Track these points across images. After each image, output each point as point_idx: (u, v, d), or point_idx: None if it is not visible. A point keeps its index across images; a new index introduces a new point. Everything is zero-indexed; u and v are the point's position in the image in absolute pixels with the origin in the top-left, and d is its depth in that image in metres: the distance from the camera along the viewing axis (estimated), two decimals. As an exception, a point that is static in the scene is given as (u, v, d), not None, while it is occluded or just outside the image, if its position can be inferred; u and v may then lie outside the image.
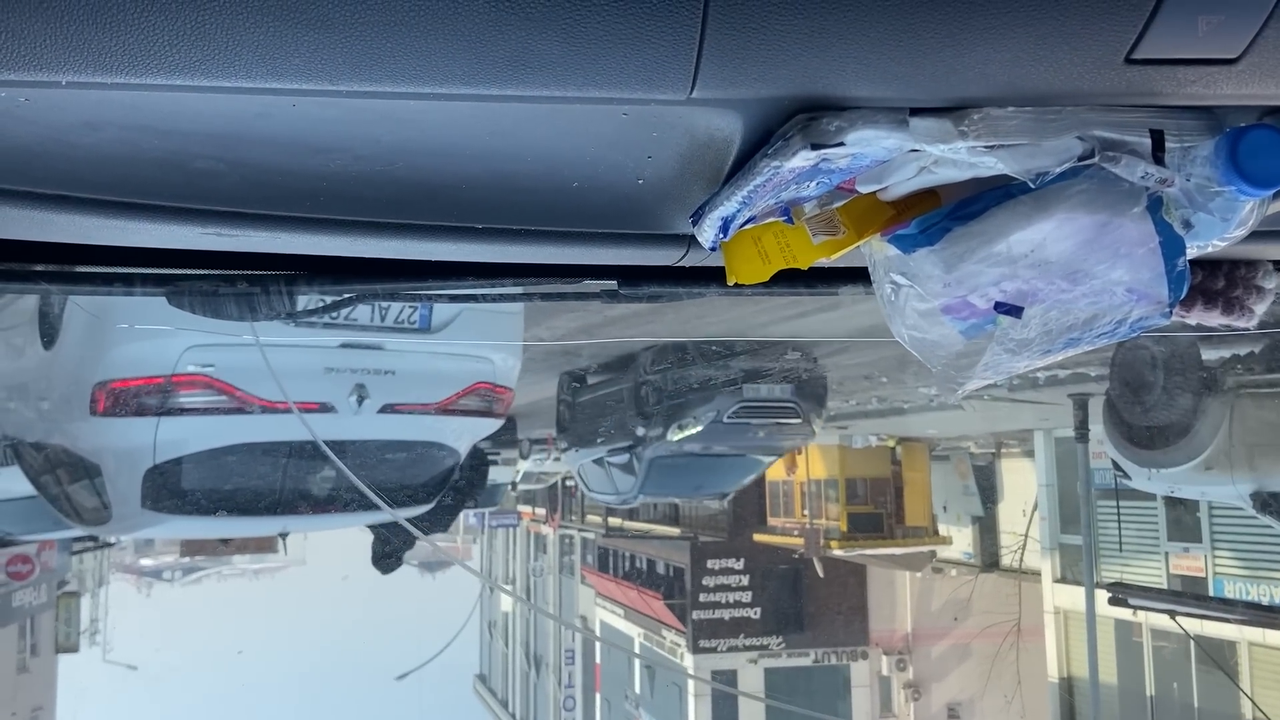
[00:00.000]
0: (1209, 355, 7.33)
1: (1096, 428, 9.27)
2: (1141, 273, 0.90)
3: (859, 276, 1.56)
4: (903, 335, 1.03)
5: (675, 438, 8.91)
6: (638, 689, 24.19)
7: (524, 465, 18.00)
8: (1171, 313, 0.94)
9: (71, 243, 1.25)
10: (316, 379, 5.30)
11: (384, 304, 5.41)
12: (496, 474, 15.72)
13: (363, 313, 5.36)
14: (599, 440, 10.35)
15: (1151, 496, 12.81)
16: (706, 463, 10.48)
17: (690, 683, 21.20)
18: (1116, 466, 9.56)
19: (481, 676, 38.97)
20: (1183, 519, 13.38)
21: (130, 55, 0.76)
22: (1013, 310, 0.92)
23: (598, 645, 26.19)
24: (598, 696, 27.08)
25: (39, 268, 1.38)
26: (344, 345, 5.38)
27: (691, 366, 8.74)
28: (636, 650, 23.87)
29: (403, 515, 5.62)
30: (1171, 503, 13.09)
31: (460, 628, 26.81)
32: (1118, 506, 13.39)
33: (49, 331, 5.37)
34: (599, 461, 11.02)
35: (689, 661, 21.04)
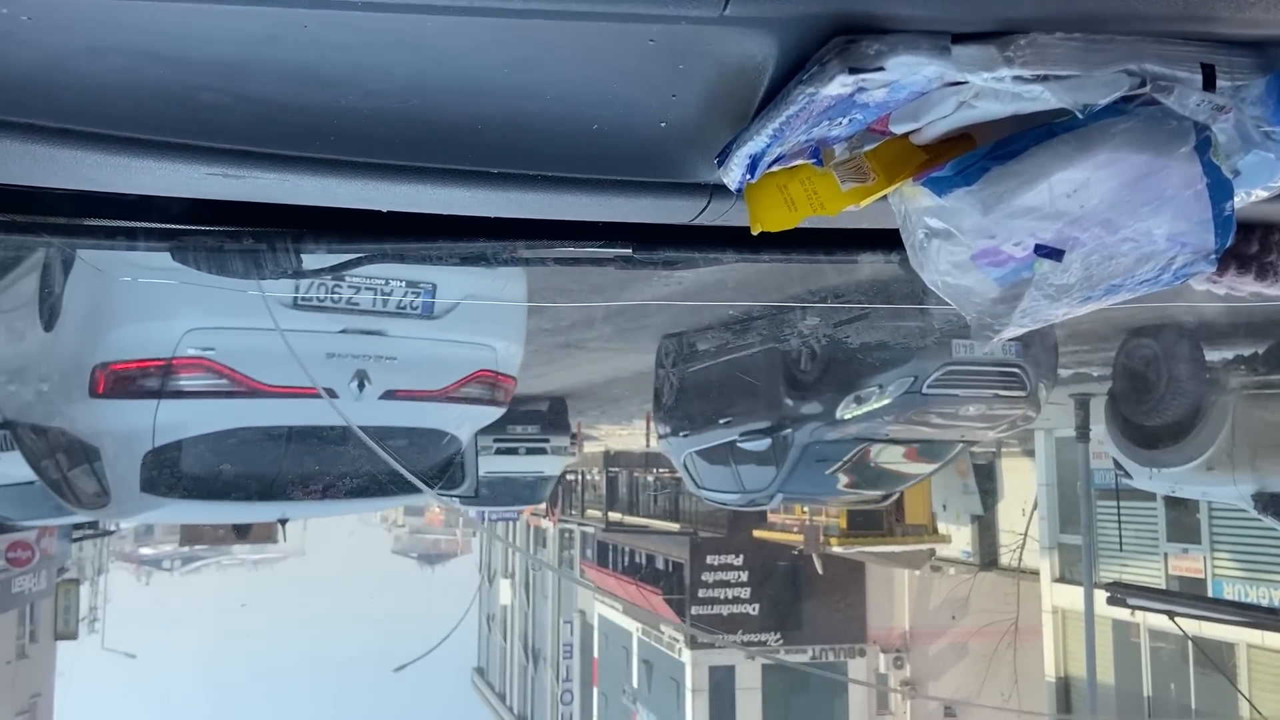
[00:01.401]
0: (1212, 355, 7.32)
1: (1097, 428, 9.24)
2: (1188, 217, 0.86)
3: (884, 243, 1.53)
4: (935, 283, 0.99)
5: (849, 415, 6.72)
6: (635, 683, 24.19)
7: (566, 460, 15.44)
8: (1217, 260, 0.91)
9: (75, 190, 1.22)
10: (318, 365, 5.26)
11: (386, 289, 5.38)
12: (544, 465, 14.33)
13: (364, 298, 5.33)
14: (722, 422, 8.12)
15: (1151, 497, 12.80)
16: (886, 453, 8.18)
17: (688, 678, 21.19)
18: (1118, 465, 9.55)
19: (479, 669, 39.00)
20: (1182, 520, 13.37)
21: None
22: (1053, 253, 0.88)
23: (595, 639, 26.20)
24: (595, 690, 27.09)
25: (44, 220, 1.34)
26: (345, 331, 5.35)
27: (875, 320, 6.40)
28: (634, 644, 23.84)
29: (433, 493, 5.61)
30: (1171, 503, 13.08)
31: (459, 621, 26.85)
32: (1118, 507, 13.38)
33: (49, 313, 5.35)
34: (717, 450, 8.66)
35: (686, 657, 21.04)
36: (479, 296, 5.66)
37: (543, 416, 13.89)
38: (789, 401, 7.07)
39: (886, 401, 6.54)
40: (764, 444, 7.60)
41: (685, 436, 8.93)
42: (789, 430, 7.20)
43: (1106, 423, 7.93)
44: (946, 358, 6.35)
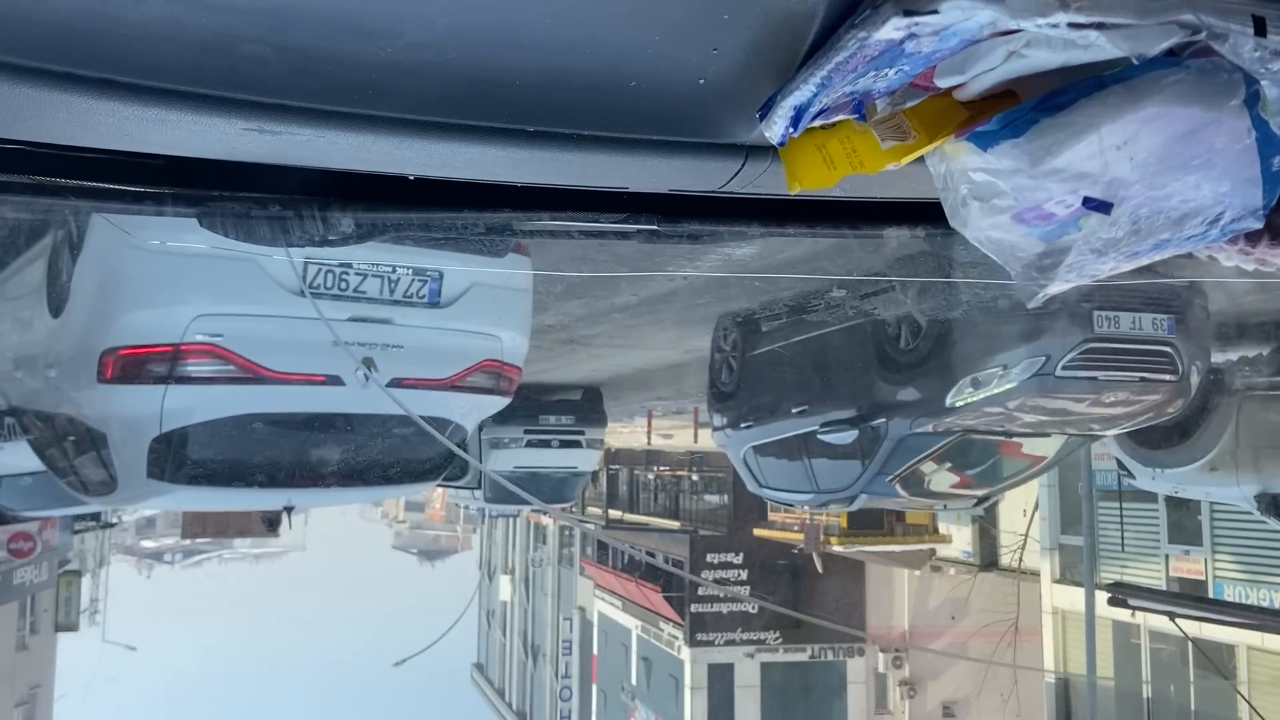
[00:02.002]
0: (1216, 357, 7.29)
1: (1099, 429, 9.21)
2: (1236, 171, 0.85)
3: (909, 216, 1.52)
4: (979, 239, 0.98)
5: (963, 401, 5.57)
6: (634, 681, 24.20)
7: (599, 454, 14.34)
8: (1265, 215, 0.90)
9: (108, 151, 1.21)
10: (324, 352, 5.26)
11: (393, 277, 5.38)
12: (578, 459, 13.15)
13: (372, 285, 5.33)
14: (795, 412, 7.11)
15: (1153, 498, 12.79)
16: (987, 446, 6.89)
17: (687, 676, 21.19)
18: (1121, 466, 9.54)
19: (479, 665, 39.02)
20: (1183, 521, 13.36)
21: None
22: (1102, 206, 0.87)
23: (595, 636, 26.20)
24: (594, 688, 27.11)
25: (74, 183, 1.33)
26: (352, 319, 5.34)
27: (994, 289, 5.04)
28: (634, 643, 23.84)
29: (422, 487, 5.59)
30: (1172, 504, 13.08)
31: (459, 616, 26.86)
32: (1120, 507, 13.38)
33: (57, 299, 5.34)
34: (787, 444, 7.55)
35: (686, 655, 21.04)
36: (486, 285, 5.66)
37: (578, 406, 12.80)
38: (883, 386, 6.04)
39: (1011, 385, 5.38)
40: (849, 436, 6.50)
41: (747, 428, 7.82)
42: (882, 420, 6.15)
43: (1111, 423, 7.87)
44: (1086, 333, 5.24)
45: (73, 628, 17.74)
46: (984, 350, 5.51)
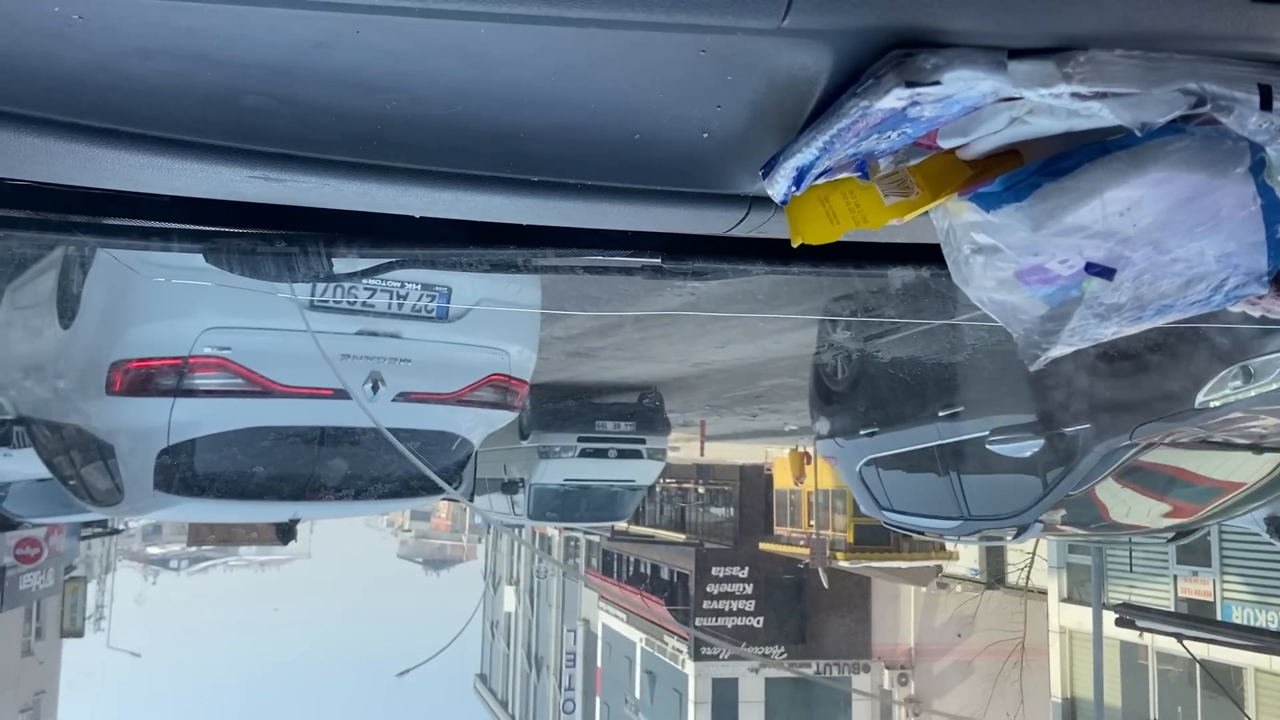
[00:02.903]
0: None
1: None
2: (1240, 238, 0.85)
3: (915, 257, 1.52)
4: (981, 300, 0.98)
5: (1224, 399, 4.17)
6: (638, 694, 24.11)
7: (660, 467, 12.15)
8: (1269, 282, 0.90)
9: (113, 190, 1.22)
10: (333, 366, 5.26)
11: (402, 292, 5.39)
12: (636, 472, 11.32)
13: (380, 300, 5.35)
14: (944, 414, 5.59)
15: (1162, 517, 12.66)
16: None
17: (691, 690, 21.11)
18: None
19: (482, 676, 38.92)
20: (1192, 543, 13.28)
21: None
22: (1104, 272, 0.87)
23: (599, 648, 26.13)
24: (598, 700, 27.02)
25: (79, 219, 1.34)
26: (361, 333, 5.36)
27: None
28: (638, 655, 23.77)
29: (431, 500, 5.58)
30: (1182, 525, 12.96)
31: (463, 627, 26.78)
32: (1129, 527, 13.27)
33: (68, 311, 5.37)
34: (921, 458, 6.09)
35: (690, 669, 20.97)
36: (494, 301, 5.67)
37: (638, 411, 11.05)
38: (1089, 380, 4.64)
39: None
40: (1030, 447, 4.98)
41: (871, 436, 6.33)
42: (1085, 426, 4.67)
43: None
44: None
45: (78, 634, 17.77)
46: (1232, 344, 4.01)
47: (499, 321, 5.82)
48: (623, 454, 10.97)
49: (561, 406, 10.71)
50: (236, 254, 1.40)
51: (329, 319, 5.12)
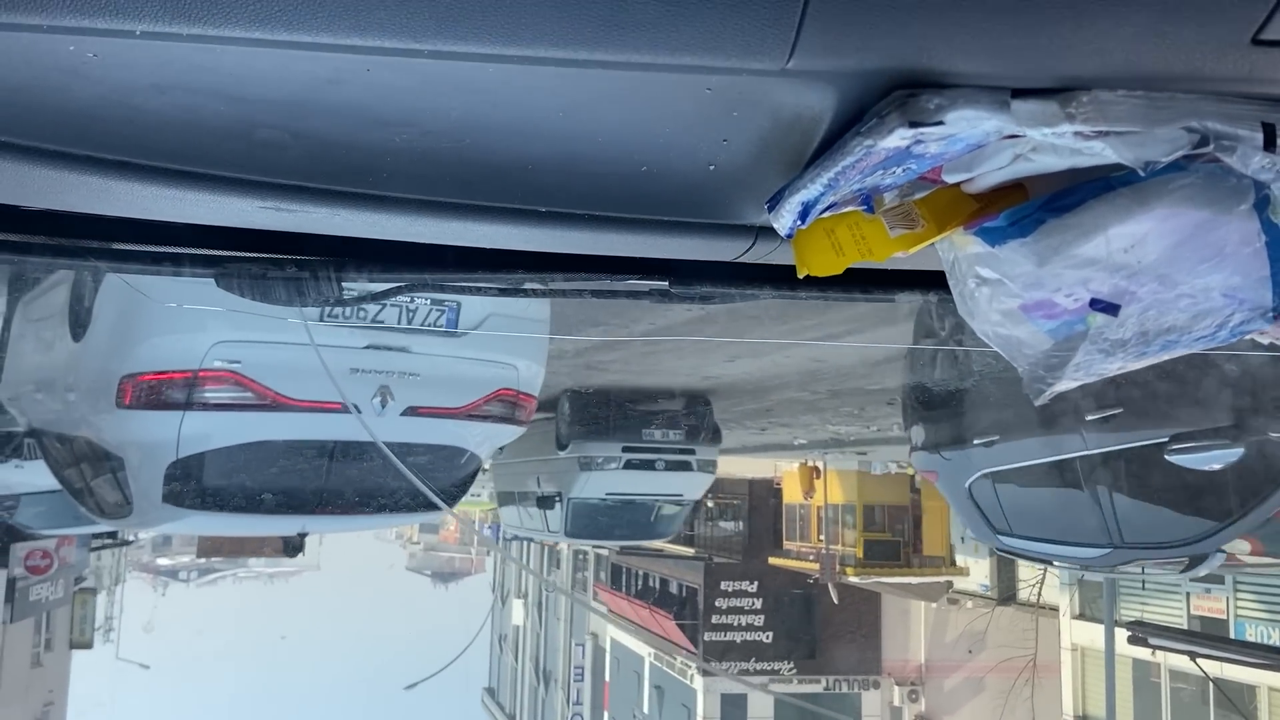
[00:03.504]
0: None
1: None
2: (1245, 274, 0.86)
3: (922, 283, 1.52)
4: (986, 333, 0.99)
5: None
6: (646, 709, 24.01)
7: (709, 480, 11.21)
8: (1275, 318, 0.90)
9: (122, 217, 1.23)
10: (342, 380, 5.29)
11: (411, 306, 5.42)
12: (685, 486, 10.42)
13: (389, 314, 5.37)
14: (1096, 417, 4.69)
15: (1175, 535, 12.57)
16: None
17: (699, 704, 21.01)
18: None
19: (490, 690, 38.82)
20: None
21: (211, 2, 0.73)
22: (1109, 308, 0.88)
23: (607, 662, 26.03)
24: (605, 715, 26.93)
25: (90, 244, 1.36)
26: (369, 347, 5.38)
27: None
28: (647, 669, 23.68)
29: (440, 515, 5.59)
30: (1195, 542, 12.86)
31: (471, 640, 26.74)
32: (1141, 543, 13.17)
33: (79, 324, 5.41)
34: (1056, 472, 5.20)
35: (699, 684, 20.88)
36: (503, 316, 5.69)
37: (688, 418, 10.17)
38: None
39: None
40: (1226, 457, 4.12)
41: (988, 445, 5.43)
42: None
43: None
44: None
45: (87, 645, 17.80)
46: None
47: (507, 336, 5.84)
48: (671, 466, 10.11)
49: (605, 413, 9.87)
50: (247, 279, 1.41)
51: (339, 332, 5.15)
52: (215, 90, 0.90)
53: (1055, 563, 6.38)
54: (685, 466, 10.12)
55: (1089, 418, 4.68)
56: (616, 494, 10.31)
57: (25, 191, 1.06)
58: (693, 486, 10.63)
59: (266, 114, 0.93)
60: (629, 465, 9.89)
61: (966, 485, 5.91)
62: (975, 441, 5.63)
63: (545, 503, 10.89)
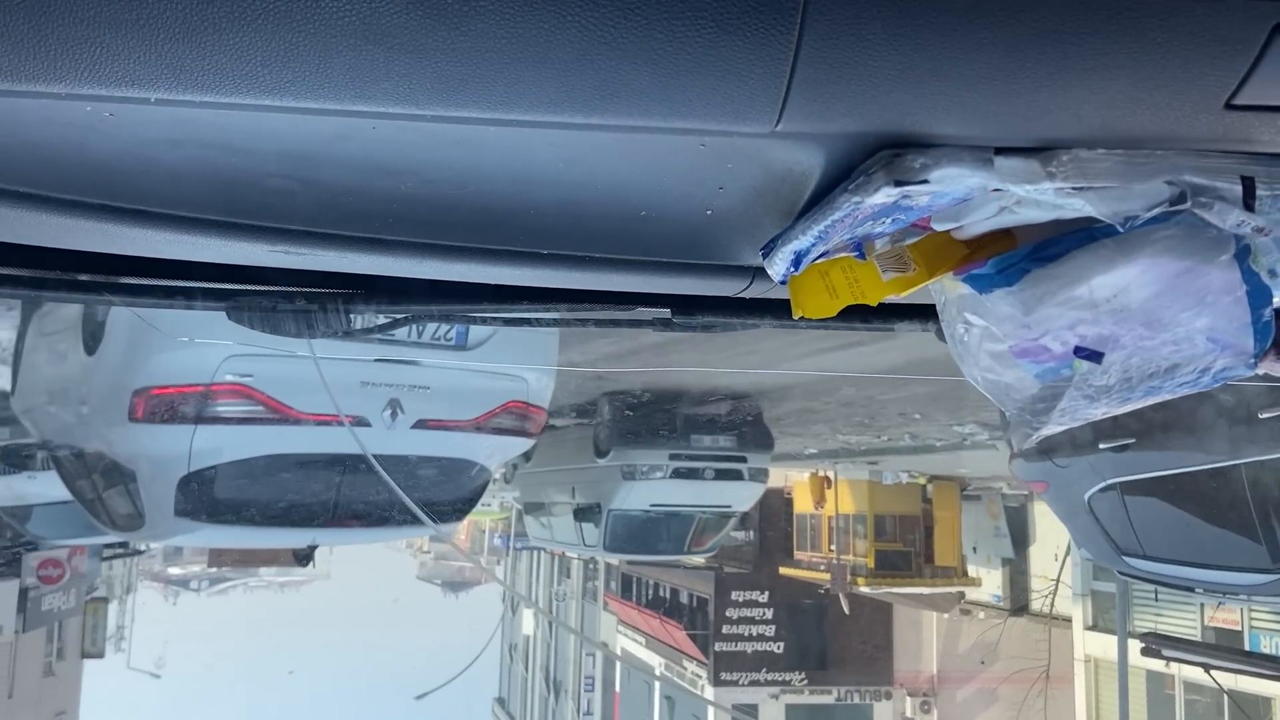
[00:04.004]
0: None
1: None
2: (1226, 322, 0.88)
3: (920, 313, 1.55)
4: (975, 377, 1.01)
5: None
6: (657, 719, 23.95)
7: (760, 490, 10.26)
8: (1256, 363, 0.92)
9: (138, 255, 1.27)
10: (352, 393, 5.33)
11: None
12: (733, 496, 9.69)
13: (399, 328, 5.40)
14: (1271, 415, 4.03)
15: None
16: None
17: (711, 716, 20.95)
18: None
19: (500, 700, 38.77)
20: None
21: (222, 75, 0.76)
22: (1093, 355, 0.90)
23: (618, 673, 25.98)
24: (616, 725, 26.87)
25: (104, 279, 1.40)
26: (380, 360, 5.41)
27: None
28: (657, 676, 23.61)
29: (445, 529, 5.61)
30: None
31: (481, 649, 26.72)
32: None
33: (92, 338, 5.46)
34: (1203, 485, 4.57)
35: (710, 694, 20.81)
36: (511, 332, 5.72)
37: (739, 424, 9.34)
38: None
39: None
40: None
41: (1119, 450, 4.74)
42: None
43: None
44: None
45: (99, 654, 17.88)
46: None
47: (517, 349, 5.87)
48: (720, 475, 9.30)
49: (650, 419, 9.11)
50: (257, 312, 1.45)
51: (349, 346, 5.19)
52: (227, 145, 0.93)
53: (1198, 589, 5.60)
54: (736, 475, 9.40)
55: (1262, 416, 3.96)
56: (661, 505, 9.66)
57: (43, 234, 1.10)
58: (743, 498, 10.02)
59: (276, 165, 0.97)
60: (676, 474, 9.18)
61: (1086, 497, 5.21)
62: (1102, 446, 4.91)
63: (582, 514, 10.31)
